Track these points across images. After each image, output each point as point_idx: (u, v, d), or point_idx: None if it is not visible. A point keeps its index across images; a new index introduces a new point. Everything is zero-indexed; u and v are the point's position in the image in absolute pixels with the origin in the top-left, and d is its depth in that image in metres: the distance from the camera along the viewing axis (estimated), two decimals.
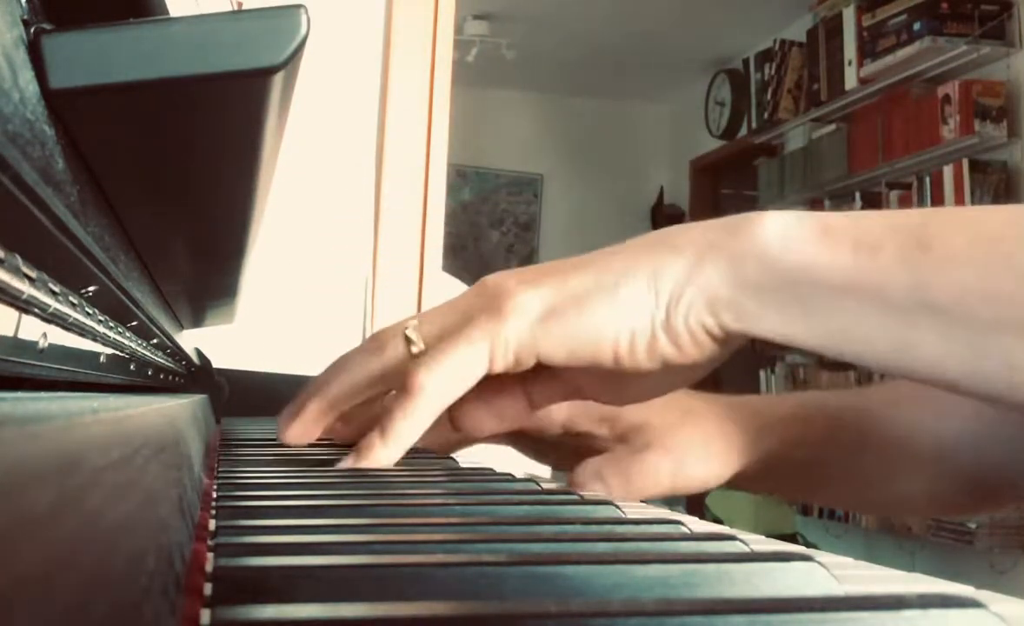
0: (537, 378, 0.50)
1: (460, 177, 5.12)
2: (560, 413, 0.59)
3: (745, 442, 0.59)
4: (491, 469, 0.52)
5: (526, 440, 0.63)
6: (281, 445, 0.53)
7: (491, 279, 0.49)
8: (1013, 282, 0.37)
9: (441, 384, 0.46)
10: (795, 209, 3.95)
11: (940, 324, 0.38)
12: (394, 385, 0.50)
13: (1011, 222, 0.39)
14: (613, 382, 0.49)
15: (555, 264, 0.48)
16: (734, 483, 0.61)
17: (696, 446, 0.57)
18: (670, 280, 0.44)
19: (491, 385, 0.48)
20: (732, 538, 0.27)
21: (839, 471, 0.62)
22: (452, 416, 0.50)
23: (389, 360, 0.49)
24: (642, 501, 0.57)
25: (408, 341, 0.49)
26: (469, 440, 0.62)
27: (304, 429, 0.52)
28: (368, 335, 0.55)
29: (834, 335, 0.41)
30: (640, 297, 0.44)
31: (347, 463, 0.48)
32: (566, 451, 0.61)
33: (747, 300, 0.42)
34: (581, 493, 0.43)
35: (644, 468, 0.57)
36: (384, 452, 0.47)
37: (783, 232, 0.42)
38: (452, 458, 0.59)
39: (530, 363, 0.46)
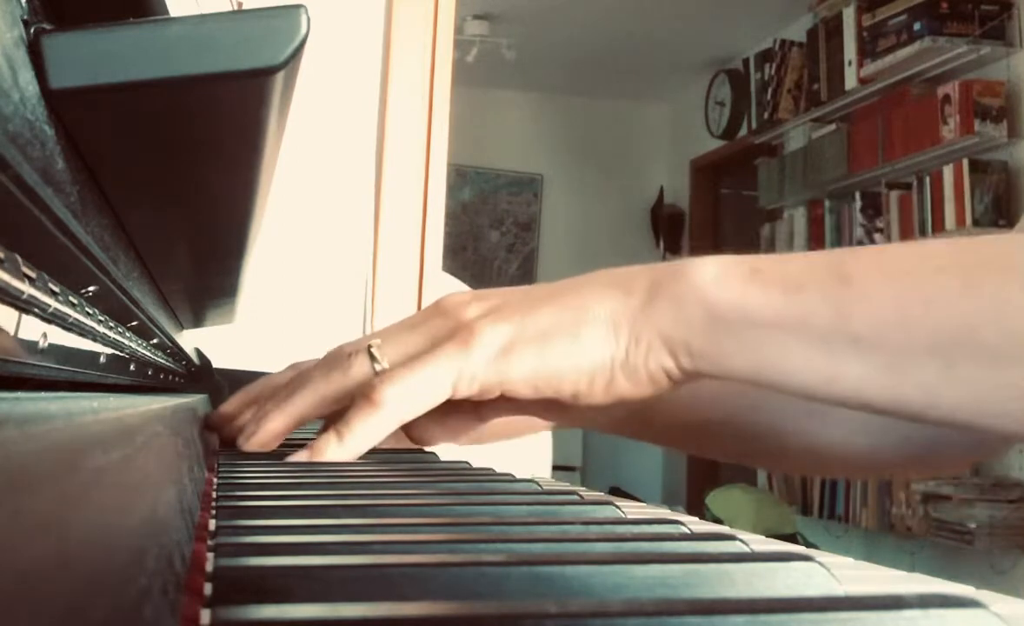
0: (489, 401, 0.52)
1: (460, 177, 5.12)
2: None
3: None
4: (491, 469, 0.52)
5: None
6: (282, 447, 0.54)
7: (450, 301, 0.51)
8: (923, 308, 0.40)
9: (403, 402, 0.48)
10: (795, 210, 3.95)
11: (860, 352, 0.41)
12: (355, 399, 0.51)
13: (922, 256, 0.42)
14: (562, 409, 0.51)
15: (513, 293, 0.50)
16: (607, 427, 0.61)
17: None
18: (627, 320, 0.46)
19: (447, 403, 0.50)
20: (732, 538, 0.27)
21: (754, 424, 0.61)
22: (404, 426, 0.51)
23: (354, 377, 0.51)
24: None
25: (372, 359, 0.51)
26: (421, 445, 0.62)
27: (267, 441, 0.54)
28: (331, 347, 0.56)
29: (767, 369, 0.44)
30: (600, 338, 0.47)
31: (301, 457, 0.50)
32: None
33: (694, 340, 0.45)
34: (581, 493, 0.43)
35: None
36: (337, 451, 0.49)
37: (715, 275, 0.45)
38: (451, 457, 0.59)
39: (494, 394, 0.49)
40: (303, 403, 0.52)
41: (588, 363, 0.47)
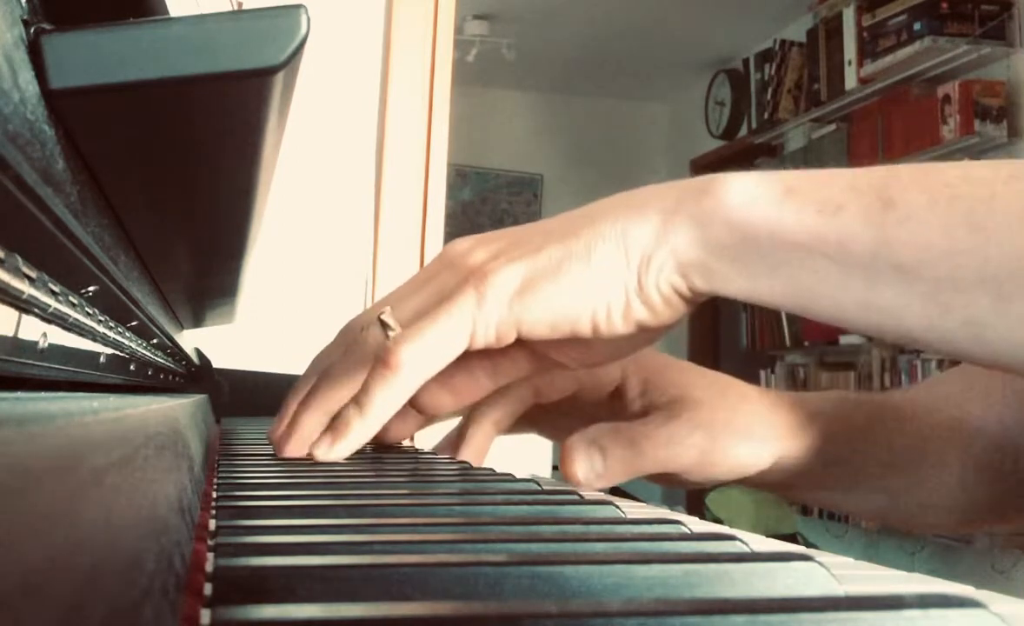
0: (503, 352, 0.49)
1: (460, 177, 5.12)
2: (606, 386, 0.57)
3: (789, 431, 0.56)
4: (491, 469, 0.52)
5: (543, 419, 0.60)
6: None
7: (454, 250, 0.49)
8: (970, 238, 0.37)
9: (421, 360, 0.45)
10: None
11: (902, 280, 0.39)
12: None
13: (970, 180, 0.39)
14: (581, 347, 0.49)
15: (519, 231, 0.48)
16: (769, 479, 0.58)
17: (739, 425, 0.55)
18: (639, 243, 0.44)
19: (453, 366, 0.47)
20: (732, 538, 0.27)
21: (876, 469, 0.59)
22: (412, 401, 0.49)
23: (371, 349, 0.49)
24: (655, 480, 0.55)
25: (384, 326, 0.48)
26: (427, 423, 0.59)
27: (302, 442, 0.52)
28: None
29: (799, 293, 0.41)
30: (612, 263, 0.44)
31: (324, 442, 0.48)
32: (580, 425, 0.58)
33: (715, 261, 0.43)
34: (581, 493, 0.43)
35: (661, 439, 0.54)
36: (361, 425, 0.47)
37: (748, 194, 0.42)
38: (451, 458, 0.58)
39: (510, 339, 0.46)
40: (323, 394, 0.51)
41: (602, 291, 0.45)
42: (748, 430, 0.55)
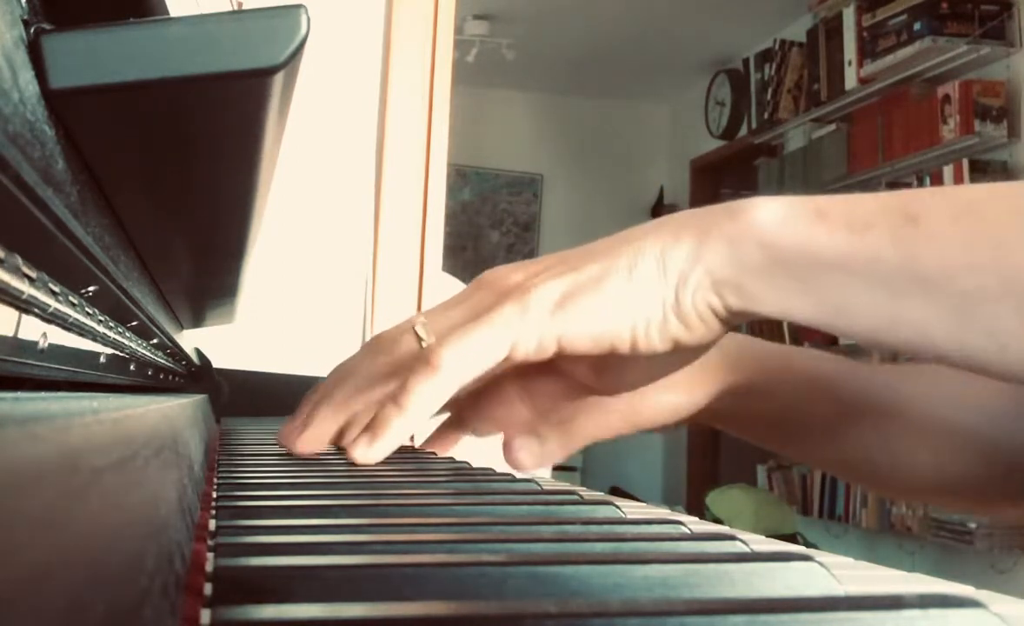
0: (538, 380, 0.51)
1: (460, 177, 5.12)
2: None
3: (716, 372, 0.58)
4: (491, 469, 0.52)
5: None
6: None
7: (493, 274, 0.50)
8: (993, 253, 0.38)
9: (463, 361, 0.46)
10: None
11: (928, 296, 0.40)
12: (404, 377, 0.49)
13: (992, 197, 0.40)
14: (616, 369, 0.50)
15: (557, 255, 0.49)
16: (704, 417, 0.60)
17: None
18: (676, 263, 0.45)
19: (489, 395, 0.50)
20: (732, 538, 0.27)
21: (818, 422, 0.60)
22: (450, 420, 0.52)
23: (401, 356, 0.50)
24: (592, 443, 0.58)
25: (418, 337, 0.49)
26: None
27: (315, 436, 0.52)
28: (369, 335, 0.56)
29: (829, 310, 0.43)
30: (651, 280, 0.46)
31: (363, 441, 0.48)
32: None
33: (748, 281, 0.44)
34: (581, 493, 0.43)
35: (588, 414, 0.57)
36: (401, 422, 0.47)
37: (779, 215, 0.43)
38: (452, 457, 0.59)
39: (550, 352, 0.47)
40: (347, 390, 0.51)
41: (642, 307, 0.46)
42: (670, 380, 0.56)
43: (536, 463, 0.57)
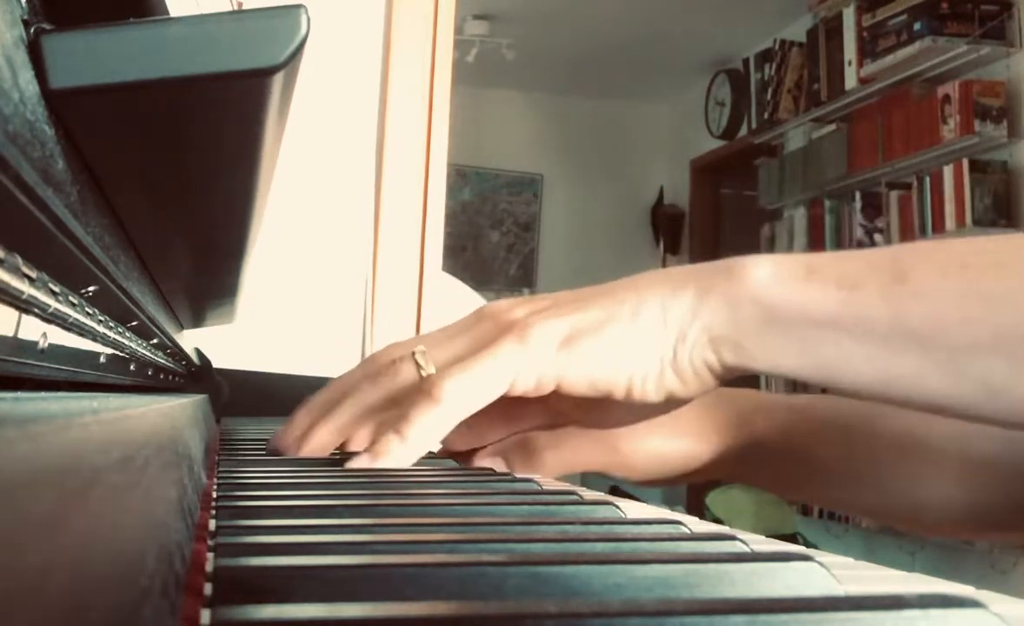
0: (521, 403, 0.52)
1: (460, 177, 5.12)
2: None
3: (727, 425, 0.58)
4: (491, 469, 0.52)
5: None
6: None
7: (494, 308, 0.51)
8: (982, 306, 0.40)
9: (463, 397, 0.47)
10: (795, 210, 3.94)
11: (919, 350, 0.41)
12: (401, 405, 0.51)
13: (979, 252, 0.42)
14: (602, 410, 0.51)
15: (559, 295, 0.50)
16: (719, 470, 0.60)
17: (662, 425, 0.56)
18: (676, 317, 0.47)
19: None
20: (732, 538, 0.27)
21: (837, 467, 0.60)
22: None
23: (402, 383, 0.51)
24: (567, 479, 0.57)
25: (418, 366, 0.50)
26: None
27: (312, 453, 0.52)
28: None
29: (823, 366, 0.44)
30: (652, 332, 0.47)
31: (362, 462, 0.49)
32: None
33: (744, 338, 0.45)
34: (581, 493, 0.43)
35: (562, 446, 0.56)
36: (401, 451, 0.48)
37: (773, 275, 0.45)
38: (451, 458, 0.59)
39: (549, 389, 0.48)
40: (349, 412, 0.52)
41: (642, 355, 0.47)
42: (675, 428, 0.57)
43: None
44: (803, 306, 0.44)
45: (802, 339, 0.44)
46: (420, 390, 0.48)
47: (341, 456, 0.52)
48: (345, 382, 0.54)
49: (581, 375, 0.47)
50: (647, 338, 0.47)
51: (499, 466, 0.56)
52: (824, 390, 0.49)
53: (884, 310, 0.42)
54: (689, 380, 0.47)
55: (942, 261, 0.42)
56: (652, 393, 0.48)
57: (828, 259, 0.45)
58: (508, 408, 0.52)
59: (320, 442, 0.52)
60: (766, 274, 0.45)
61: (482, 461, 0.56)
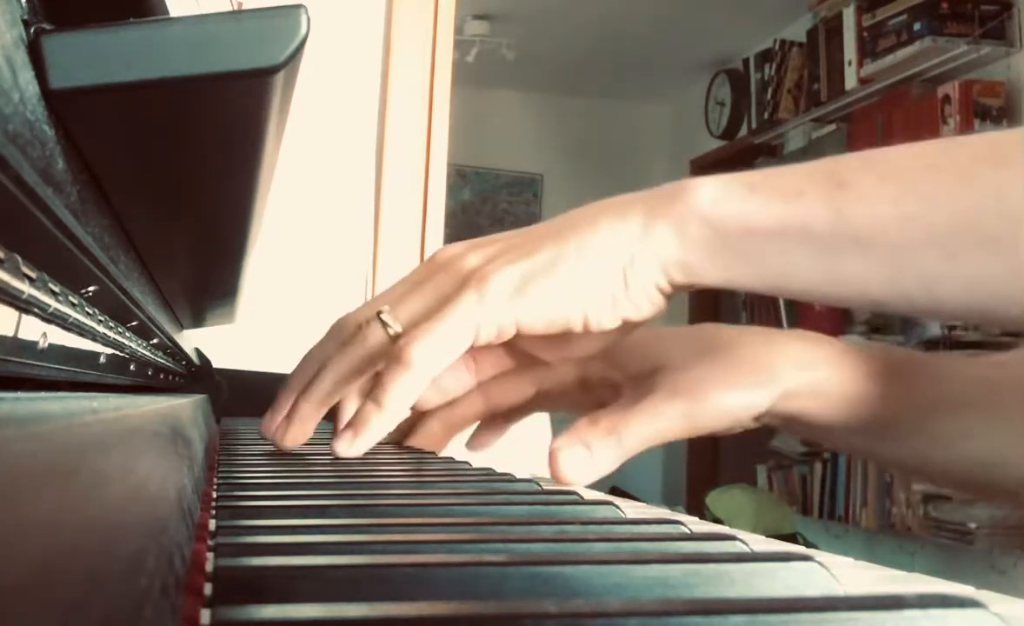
0: (485, 350, 0.53)
1: (460, 177, 5.12)
2: (570, 374, 0.60)
3: (785, 368, 0.54)
4: (491, 469, 0.52)
5: (554, 401, 0.62)
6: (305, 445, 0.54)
7: (447, 254, 0.52)
8: (919, 205, 0.42)
9: (432, 358, 0.49)
10: None
11: (861, 251, 0.43)
12: (376, 367, 0.52)
13: (914, 156, 0.44)
14: (562, 344, 0.53)
15: (510, 235, 0.52)
16: (769, 419, 0.55)
17: (716, 379, 0.54)
18: (623, 245, 0.48)
19: None
20: (732, 538, 0.27)
21: (918, 416, 0.53)
22: None
23: (372, 346, 0.52)
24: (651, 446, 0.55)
25: (384, 325, 0.51)
26: (449, 435, 0.62)
27: (301, 430, 0.54)
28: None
29: (772, 275, 0.46)
30: (601, 264, 0.48)
31: (345, 437, 0.50)
32: (592, 404, 0.58)
33: (692, 256, 0.47)
34: (581, 493, 0.43)
35: (642, 417, 0.53)
36: (380, 419, 0.50)
37: (716, 193, 0.47)
38: (451, 457, 0.59)
39: (509, 335, 0.49)
40: (328, 382, 0.53)
41: (594, 287, 0.48)
42: (731, 380, 0.54)
43: (585, 475, 0.53)
44: (748, 219, 0.45)
45: (749, 251, 0.45)
46: (391, 356, 0.49)
47: (328, 454, 0.53)
48: (317, 354, 0.55)
49: (538, 317, 0.49)
50: (597, 270, 0.48)
51: (580, 456, 0.52)
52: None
53: (826, 215, 0.43)
54: (642, 304, 0.49)
55: (879, 167, 0.44)
56: (607, 321, 0.49)
57: (769, 173, 0.47)
58: (467, 355, 0.52)
59: (304, 420, 0.53)
60: (711, 193, 0.46)
61: (559, 451, 0.53)
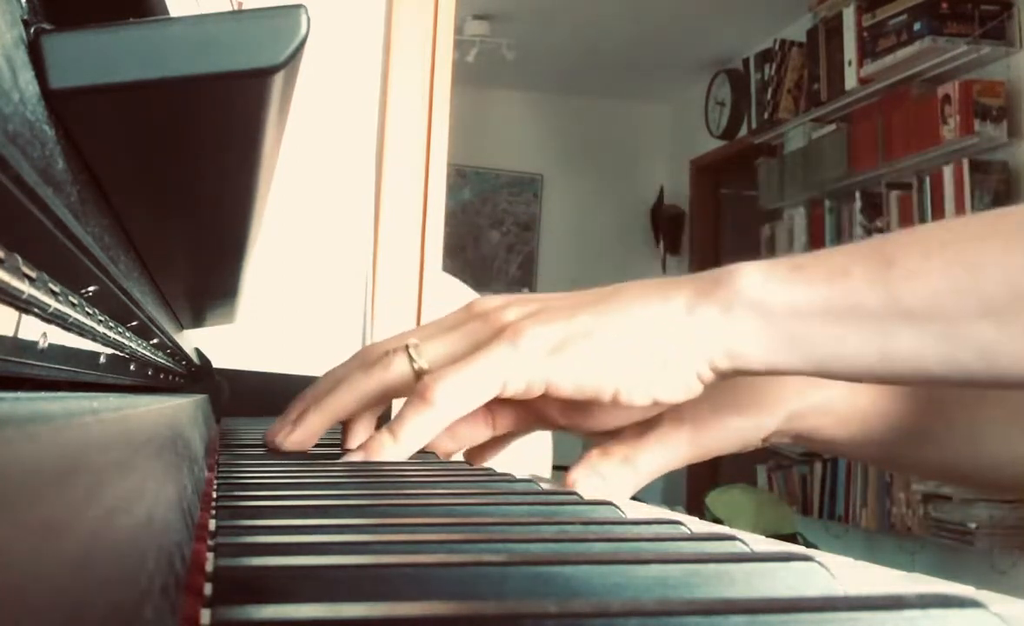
0: (505, 405, 0.53)
1: (460, 177, 5.12)
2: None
3: (790, 391, 0.56)
4: (491, 469, 0.52)
5: (554, 423, 0.61)
6: (313, 451, 0.55)
7: (486, 305, 0.51)
8: (970, 274, 0.42)
9: (456, 400, 0.48)
10: (795, 210, 3.93)
11: (913, 325, 0.43)
12: (396, 398, 0.52)
13: (957, 229, 0.44)
14: (583, 410, 0.52)
15: (550, 297, 0.51)
16: (778, 439, 0.56)
17: (721, 405, 0.56)
18: (665, 326, 0.47)
19: None
20: (732, 538, 0.27)
21: (940, 423, 0.55)
22: None
23: (395, 376, 0.52)
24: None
25: (411, 359, 0.51)
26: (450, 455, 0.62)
27: (305, 437, 0.53)
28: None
29: (819, 357, 0.45)
30: (640, 340, 0.47)
31: (355, 457, 0.50)
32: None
33: (737, 344, 0.46)
34: (581, 493, 0.43)
35: (651, 446, 0.55)
36: (394, 450, 0.49)
37: (762, 277, 0.46)
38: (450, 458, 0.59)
39: (537, 393, 0.49)
40: (342, 401, 0.53)
41: (631, 363, 0.48)
42: (735, 406, 0.56)
43: None
44: (795, 300, 0.45)
45: (797, 334, 0.45)
46: (414, 391, 0.49)
47: (328, 454, 0.53)
48: (338, 373, 0.55)
49: (570, 379, 0.48)
50: (636, 345, 0.47)
51: (597, 487, 0.53)
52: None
53: (876, 293, 0.43)
54: (677, 387, 0.48)
55: (923, 243, 0.43)
56: (638, 398, 0.48)
57: (813, 255, 0.46)
58: (488, 408, 0.52)
59: (311, 427, 0.53)
60: (756, 276, 0.46)
61: (576, 484, 0.53)
